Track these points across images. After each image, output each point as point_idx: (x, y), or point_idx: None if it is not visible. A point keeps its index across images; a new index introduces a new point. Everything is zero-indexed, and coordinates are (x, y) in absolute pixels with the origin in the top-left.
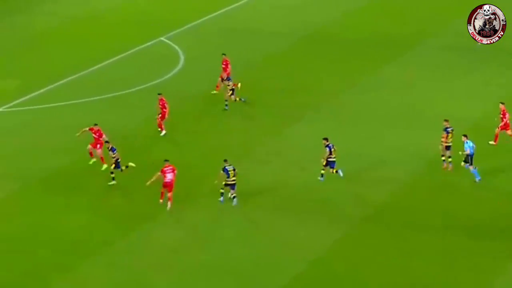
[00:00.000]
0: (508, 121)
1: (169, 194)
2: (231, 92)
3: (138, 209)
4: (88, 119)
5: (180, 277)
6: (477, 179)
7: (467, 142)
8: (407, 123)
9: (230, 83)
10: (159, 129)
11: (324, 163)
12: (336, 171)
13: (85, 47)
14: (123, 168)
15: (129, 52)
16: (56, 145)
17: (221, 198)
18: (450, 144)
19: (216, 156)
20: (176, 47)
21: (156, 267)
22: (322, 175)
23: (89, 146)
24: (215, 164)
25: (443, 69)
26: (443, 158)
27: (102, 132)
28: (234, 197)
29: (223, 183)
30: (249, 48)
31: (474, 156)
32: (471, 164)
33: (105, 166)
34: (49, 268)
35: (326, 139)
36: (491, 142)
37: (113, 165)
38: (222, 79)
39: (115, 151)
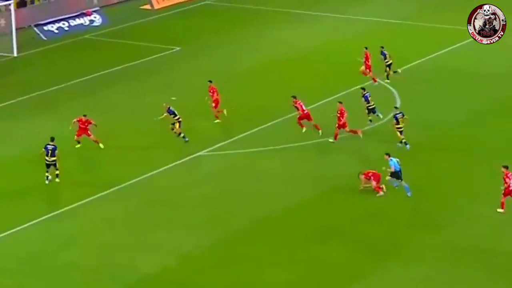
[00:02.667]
0: (345, 121)
1: None
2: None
3: (345, 269)
4: (287, 165)
5: None
6: (408, 194)
7: (391, 160)
8: None
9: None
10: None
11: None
12: (370, 120)
13: (289, 89)
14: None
15: (338, 94)
16: (258, 192)
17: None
18: None
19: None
20: (392, 89)
21: None
22: (370, 120)
23: (76, 137)
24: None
25: None
26: None
27: (90, 120)
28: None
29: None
30: (469, 91)
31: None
32: (401, 179)
33: (102, 145)
34: None
35: (363, 88)
36: (330, 140)
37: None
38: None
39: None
